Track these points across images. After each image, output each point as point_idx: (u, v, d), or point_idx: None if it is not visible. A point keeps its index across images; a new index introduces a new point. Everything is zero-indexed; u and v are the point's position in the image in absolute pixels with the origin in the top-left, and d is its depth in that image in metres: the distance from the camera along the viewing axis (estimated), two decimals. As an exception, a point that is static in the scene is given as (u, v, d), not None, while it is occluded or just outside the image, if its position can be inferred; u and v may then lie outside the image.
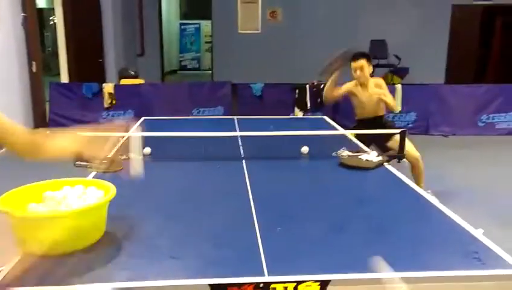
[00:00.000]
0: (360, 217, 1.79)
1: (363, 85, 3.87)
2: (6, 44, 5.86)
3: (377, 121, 3.84)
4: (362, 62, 3.79)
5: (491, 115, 6.63)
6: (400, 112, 6.62)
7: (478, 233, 1.59)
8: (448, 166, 4.98)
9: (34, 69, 6.25)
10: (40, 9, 10.76)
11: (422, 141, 6.07)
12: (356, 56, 3.82)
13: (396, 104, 3.94)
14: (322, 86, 6.75)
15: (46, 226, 1.39)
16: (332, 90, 3.88)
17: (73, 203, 1.50)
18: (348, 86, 3.94)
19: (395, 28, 10.72)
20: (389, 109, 3.92)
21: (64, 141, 1.46)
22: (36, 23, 6.31)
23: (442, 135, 6.59)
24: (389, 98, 3.83)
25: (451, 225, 1.68)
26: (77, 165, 2.31)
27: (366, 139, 3.21)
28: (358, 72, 3.80)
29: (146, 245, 1.50)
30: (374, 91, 3.82)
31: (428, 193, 1.81)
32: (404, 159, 2.74)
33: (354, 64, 3.81)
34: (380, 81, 3.97)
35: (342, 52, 3.77)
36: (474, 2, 10.72)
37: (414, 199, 1.99)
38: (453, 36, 10.94)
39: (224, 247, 1.51)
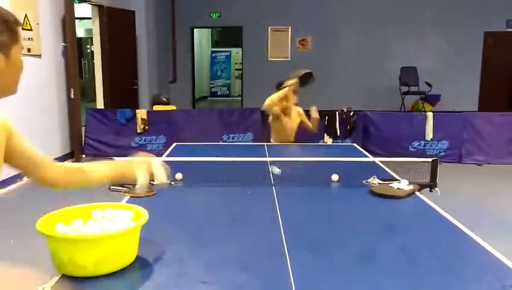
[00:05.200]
0: (390, 246, 1.77)
1: (286, 112, 4.10)
2: (47, 72, 6.14)
3: None
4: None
5: (527, 144, 6.44)
6: (432, 139, 6.51)
7: (515, 266, 1.54)
8: (482, 196, 4.84)
9: (72, 96, 6.49)
10: (79, 39, 11.25)
11: (455, 170, 5.95)
12: (281, 84, 4.11)
13: (314, 126, 4.27)
14: (352, 113, 6.76)
15: (81, 248, 1.43)
16: (277, 104, 4.08)
17: (106, 227, 1.54)
18: (277, 110, 4.13)
19: (426, 54, 10.66)
20: (309, 131, 4.26)
21: (102, 167, 1.57)
22: (75, 53, 6.58)
23: (476, 163, 6.42)
24: (307, 122, 4.20)
25: (486, 257, 1.63)
26: (112, 189, 2.39)
27: None
28: (285, 100, 4.08)
29: (177, 270, 1.52)
30: (299, 115, 4.17)
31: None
32: (437, 189, 2.69)
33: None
34: (300, 110, 4.26)
35: (303, 73, 4.08)
36: (507, 29, 10.57)
37: (446, 229, 1.94)
38: (486, 63, 10.77)
39: (254, 274, 1.51)
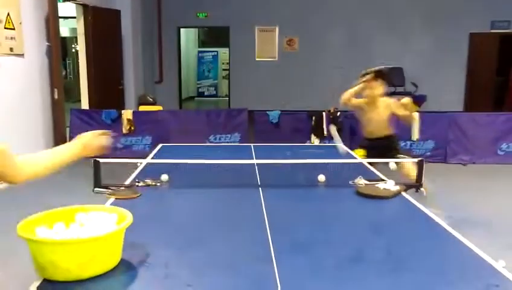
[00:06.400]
0: (377, 247, 1.77)
1: (372, 103, 3.93)
2: (30, 71, 6.05)
3: (384, 141, 3.90)
4: (376, 80, 3.88)
5: (511, 144, 6.52)
6: (418, 140, 6.56)
7: (499, 265, 1.56)
8: (467, 195, 4.89)
9: (56, 96, 6.41)
10: (63, 38, 11.11)
11: (441, 170, 6.01)
12: (365, 74, 3.93)
13: (412, 113, 3.99)
14: (339, 113, 6.79)
15: (64, 252, 1.40)
16: (351, 97, 3.96)
17: (89, 230, 1.52)
18: (360, 101, 4.01)
19: (413, 55, 10.76)
20: (407, 121, 3.94)
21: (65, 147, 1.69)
22: (59, 52, 6.50)
23: (461, 163, 6.50)
24: (402, 111, 3.85)
25: (471, 257, 1.65)
26: (96, 191, 2.36)
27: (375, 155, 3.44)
28: (369, 90, 3.90)
29: (162, 272, 1.50)
30: (387, 107, 3.87)
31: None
32: (422, 189, 2.70)
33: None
34: (390, 101, 3.98)
35: (379, 69, 3.96)
36: (492, 30, 10.72)
37: (432, 229, 1.96)
38: (471, 64, 10.92)
39: (240, 276, 1.51)
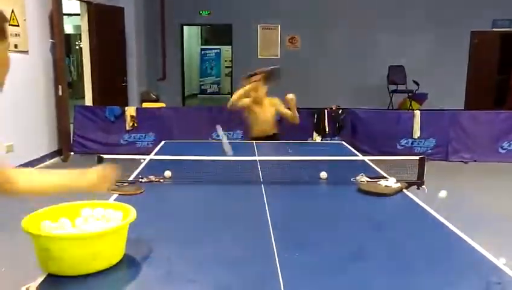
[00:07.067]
0: (378, 244, 1.78)
1: (258, 103, 4.09)
2: (35, 68, 6.08)
3: (271, 139, 4.10)
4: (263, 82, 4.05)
5: (512, 142, 6.53)
6: (419, 137, 6.57)
7: (500, 263, 1.56)
8: (468, 193, 4.90)
9: (60, 93, 6.44)
10: (67, 35, 11.13)
11: (442, 167, 6.01)
12: (252, 75, 4.09)
13: (295, 115, 4.07)
14: (340, 110, 6.80)
15: (68, 247, 1.42)
16: (240, 99, 4.10)
17: (94, 225, 1.53)
18: (247, 102, 4.15)
19: (414, 53, 10.74)
20: (290, 120, 4.10)
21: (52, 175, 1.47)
22: (63, 49, 6.52)
23: (462, 161, 6.50)
24: (285, 110, 4.06)
25: (472, 254, 1.66)
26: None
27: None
28: (253, 92, 4.05)
29: (165, 268, 1.51)
30: (272, 105, 4.07)
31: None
32: (424, 186, 2.72)
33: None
34: (275, 100, 4.15)
35: (269, 69, 4.13)
36: (493, 29, 10.69)
37: (433, 227, 1.97)
38: (472, 62, 10.89)
39: (242, 272, 1.52)
